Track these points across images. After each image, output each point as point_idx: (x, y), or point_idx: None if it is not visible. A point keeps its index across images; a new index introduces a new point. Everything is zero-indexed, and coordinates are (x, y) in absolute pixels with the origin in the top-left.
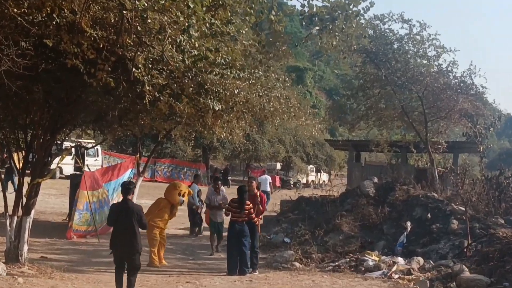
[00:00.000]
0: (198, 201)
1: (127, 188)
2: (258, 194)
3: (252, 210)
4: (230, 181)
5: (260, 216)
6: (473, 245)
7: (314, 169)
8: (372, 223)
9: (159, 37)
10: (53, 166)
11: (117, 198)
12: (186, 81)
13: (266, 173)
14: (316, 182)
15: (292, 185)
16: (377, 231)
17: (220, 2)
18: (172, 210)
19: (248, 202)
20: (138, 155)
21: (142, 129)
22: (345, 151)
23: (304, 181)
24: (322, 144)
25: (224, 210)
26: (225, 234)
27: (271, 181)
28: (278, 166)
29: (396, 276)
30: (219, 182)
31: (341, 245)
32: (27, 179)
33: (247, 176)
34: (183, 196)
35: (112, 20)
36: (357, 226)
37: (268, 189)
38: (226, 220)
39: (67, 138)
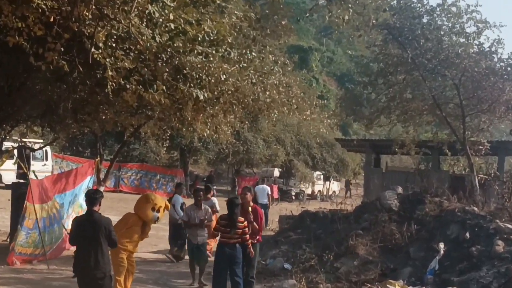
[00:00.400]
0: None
1: (93, 197)
2: (251, 209)
3: (246, 229)
4: (214, 191)
5: (257, 237)
6: None
7: (322, 176)
8: (396, 245)
9: (125, 8)
10: None
11: (73, 213)
12: (160, 64)
13: (264, 182)
14: (324, 193)
15: (293, 197)
16: (401, 255)
17: None
18: (143, 229)
19: (241, 219)
20: (98, 158)
21: (104, 125)
22: (361, 153)
23: (308, 191)
24: (332, 145)
25: (206, 228)
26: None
27: (270, 192)
28: (276, 172)
29: None
30: (201, 192)
31: (357, 273)
32: None
33: (236, 185)
34: (158, 211)
35: None
36: (377, 249)
37: (266, 201)
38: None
39: (7, 137)
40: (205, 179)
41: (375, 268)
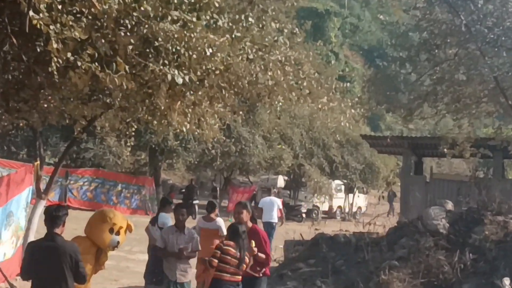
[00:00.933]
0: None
1: (55, 216)
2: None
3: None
4: (197, 207)
5: (264, 269)
6: None
7: (343, 187)
8: (444, 281)
9: None
10: None
11: (13, 237)
12: (122, 34)
13: (272, 193)
14: (347, 210)
15: (304, 215)
16: None
17: None
18: (98, 258)
19: (253, 249)
20: (38, 162)
21: (45, 117)
22: (397, 155)
23: (325, 207)
24: (357, 144)
25: (190, 262)
26: None
27: (281, 206)
28: (281, 182)
29: None
30: (183, 210)
31: None
32: None
33: (217, 197)
34: (117, 233)
35: None
36: (418, 286)
37: (275, 219)
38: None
39: None
40: (183, 190)
41: None
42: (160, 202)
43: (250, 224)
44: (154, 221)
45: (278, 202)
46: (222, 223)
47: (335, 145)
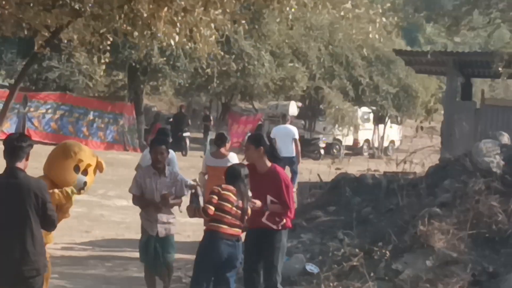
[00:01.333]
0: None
1: (16, 146)
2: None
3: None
4: (188, 141)
5: (283, 220)
6: None
7: (371, 116)
8: (498, 233)
9: None
10: None
11: None
12: None
13: (286, 120)
14: (376, 145)
15: (321, 151)
16: (508, 250)
17: None
18: (61, 204)
19: (255, 202)
20: None
21: None
22: (439, 76)
23: (349, 141)
24: (390, 62)
25: (182, 208)
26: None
27: (297, 136)
28: (293, 109)
29: None
30: (163, 147)
31: (431, 280)
32: None
33: (211, 129)
34: (85, 172)
35: None
36: (465, 239)
37: (294, 153)
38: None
39: None
40: (170, 120)
41: (462, 272)
42: (156, 134)
43: (268, 163)
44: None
45: (294, 131)
46: (236, 159)
47: (361, 63)
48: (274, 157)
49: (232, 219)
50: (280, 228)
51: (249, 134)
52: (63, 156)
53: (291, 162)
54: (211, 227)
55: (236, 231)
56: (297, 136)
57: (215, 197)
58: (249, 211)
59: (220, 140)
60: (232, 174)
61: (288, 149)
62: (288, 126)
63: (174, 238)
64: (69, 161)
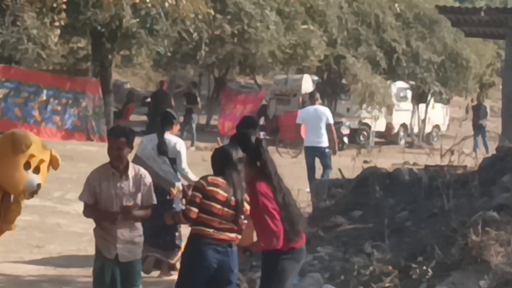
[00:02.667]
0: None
1: None
2: None
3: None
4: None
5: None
6: None
7: (409, 93)
8: None
9: None
10: None
11: None
12: None
13: (314, 99)
14: (416, 130)
15: (344, 139)
16: None
17: None
18: (6, 211)
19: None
20: None
21: None
22: (497, 40)
23: (380, 126)
24: (433, 23)
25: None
26: None
27: (330, 121)
28: (307, 84)
29: None
30: (122, 139)
31: None
32: None
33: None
34: (37, 170)
35: None
36: None
37: (326, 142)
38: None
39: None
40: (148, 100)
41: None
42: (161, 117)
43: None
44: (161, 147)
45: (328, 114)
46: (183, 147)
47: (395, 23)
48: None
49: (222, 222)
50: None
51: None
52: (11, 151)
53: (322, 154)
54: (194, 231)
55: (227, 235)
56: (331, 120)
57: (198, 194)
58: (247, 207)
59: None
60: (220, 159)
61: (319, 137)
62: (319, 107)
63: (141, 264)
64: (18, 157)
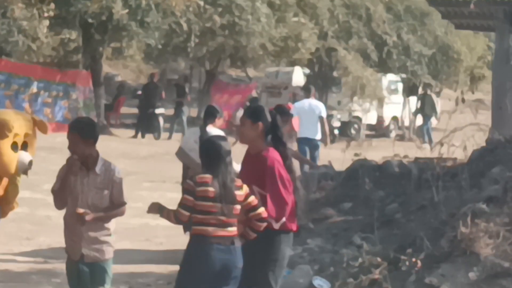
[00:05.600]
0: None
1: None
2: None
3: (253, 201)
4: (162, 120)
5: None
6: None
7: (401, 85)
8: None
9: None
10: None
11: None
12: None
13: (310, 93)
14: (407, 123)
15: (335, 131)
16: None
17: None
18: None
19: (239, 182)
20: None
21: None
22: (488, 32)
23: (371, 119)
24: (424, 15)
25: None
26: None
27: (323, 115)
28: (298, 77)
29: None
30: (75, 135)
31: None
32: None
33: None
34: (24, 145)
35: None
36: None
37: (319, 134)
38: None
39: None
40: (139, 93)
41: None
42: (205, 111)
43: (262, 145)
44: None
45: (321, 108)
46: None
47: (386, 16)
48: (276, 139)
49: (218, 217)
50: (277, 228)
51: (239, 110)
52: None
53: (314, 146)
54: (195, 231)
55: (229, 231)
56: (324, 114)
57: (190, 197)
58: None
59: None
60: (209, 154)
61: (312, 129)
62: (313, 101)
63: (111, 264)
64: (4, 141)
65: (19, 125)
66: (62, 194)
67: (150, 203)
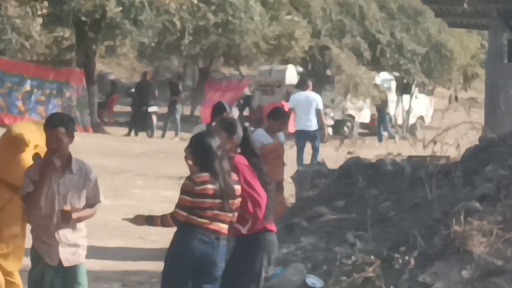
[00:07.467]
0: None
1: None
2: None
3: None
4: (155, 118)
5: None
6: None
7: (394, 84)
8: None
9: None
10: None
11: None
12: None
13: (306, 86)
14: (400, 121)
15: (330, 130)
16: None
17: None
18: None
19: (235, 177)
20: None
21: None
22: (481, 31)
23: (364, 117)
24: (417, 14)
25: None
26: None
27: (321, 106)
28: (291, 75)
29: None
30: (58, 130)
31: None
32: None
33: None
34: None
35: None
36: None
37: (315, 125)
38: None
39: None
40: (132, 91)
41: (508, 284)
42: (213, 108)
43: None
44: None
45: (318, 100)
46: (283, 137)
47: (380, 14)
48: (248, 151)
49: (215, 212)
50: (247, 232)
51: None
52: (14, 151)
53: (313, 137)
54: (186, 218)
55: (219, 226)
56: (321, 106)
57: (188, 198)
58: (238, 189)
59: (276, 113)
60: (201, 152)
61: (309, 121)
62: (310, 93)
63: (85, 268)
64: (24, 155)
65: (35, 137)
66: (37, 197)
67: (134, 215)
